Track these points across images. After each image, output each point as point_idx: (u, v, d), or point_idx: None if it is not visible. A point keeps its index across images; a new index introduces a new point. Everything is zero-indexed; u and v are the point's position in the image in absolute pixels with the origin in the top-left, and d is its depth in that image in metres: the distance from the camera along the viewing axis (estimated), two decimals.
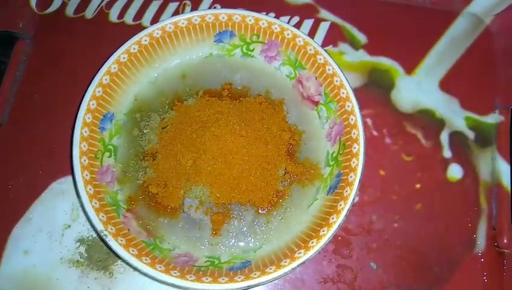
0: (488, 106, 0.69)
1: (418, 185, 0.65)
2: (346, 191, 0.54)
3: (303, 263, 0.51)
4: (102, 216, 0.53)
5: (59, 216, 0.62)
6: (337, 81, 0.59)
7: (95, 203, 0.53)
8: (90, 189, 0.54)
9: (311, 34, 0.72)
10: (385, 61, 0.71)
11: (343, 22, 0.73)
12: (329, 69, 0.59)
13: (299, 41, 0.61)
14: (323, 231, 0.53)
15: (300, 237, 0.55)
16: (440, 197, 0.64)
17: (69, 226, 0.62)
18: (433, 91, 0.70)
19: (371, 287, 0.60)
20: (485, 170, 0.66)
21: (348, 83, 0.58)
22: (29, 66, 0.69)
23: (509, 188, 0.64)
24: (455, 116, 0.68)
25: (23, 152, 0.65)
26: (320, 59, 0.60)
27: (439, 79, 0.70)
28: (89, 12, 0.72)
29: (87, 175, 0.54)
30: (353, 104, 0.57)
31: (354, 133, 0.56)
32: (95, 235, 0.61)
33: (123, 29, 0.71)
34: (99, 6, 0.72)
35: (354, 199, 0.53)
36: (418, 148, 0.67)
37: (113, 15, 0.72)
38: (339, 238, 0.62)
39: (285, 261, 0.52)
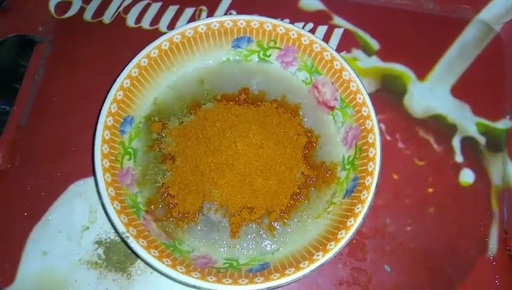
0: (499, 112, 0.70)
1: (430, 189, 0.66)
2: (364, 194, 0.55)
3: (322, 265, 0.52)
4: (124, 218, 0.54)
5: (77, 218, 0.63)
6: (353, 86, 0.60)
7: (117, 205, 0.54)
8: (111, 191, 0.55)
9: (325, 40, 0.73)
10: (397, 67, 0.72)
11: (356, 28, 0.74)
12: (345, 75, 0.60)
13: (316, 47, 0.62)
14: (341, 233, 0.54)
15: (318, 239, 0.55)
16: (452, 201, 0.65)
17: (88, 228, 0.63)
18: (445, 97, 0.71)
19: (385, 289, 0.61)
20: (496, 174, 0.67)
21: (365, 88, 0.60)
22: (48, 69, 0.70)
23: None
24: (467, 121, 0.70)
25: (42, 154, 0.66)
26: (336, 65, 0.61)
27: (451, 85, 0.72)
28: (107, 17, 0.73)
29: (108, 177, 0.55)
30: (369, 109, 0.58)
31: (371, 138, 0.57)
32: (113, 237, 0.62)
33: (140, 33, 0.72)
34: (117, 11, 0.74)
35: (371, 202, 0.54)
36: (431, 153, 0.68)
37: (131, 20, 0.73)
38: (354, 241, 0.63)
39: (304, 264, 0.52)
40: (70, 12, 0.74)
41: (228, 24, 0.62)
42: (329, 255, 0.52)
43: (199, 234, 0.58)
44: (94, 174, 0.55)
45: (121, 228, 0.53)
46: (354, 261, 0.62)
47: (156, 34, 0.64)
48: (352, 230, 0.53)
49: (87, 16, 0.73)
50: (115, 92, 0.58)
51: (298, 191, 0.60)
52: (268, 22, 0.62)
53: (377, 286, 0.61)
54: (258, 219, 0.58)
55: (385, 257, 0.63)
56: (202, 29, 0.62)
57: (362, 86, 0.59)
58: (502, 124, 0.70)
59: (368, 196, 0.55)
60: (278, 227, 0.58)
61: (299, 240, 0.57)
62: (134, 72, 0.60)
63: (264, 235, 0.58)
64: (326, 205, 0.60)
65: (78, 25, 0.73)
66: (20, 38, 0.71)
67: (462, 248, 0.63)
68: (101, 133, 0.56)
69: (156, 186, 0.60)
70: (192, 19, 0.73)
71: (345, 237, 0.53)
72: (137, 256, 0.53)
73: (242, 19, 0.62)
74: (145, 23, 0.73)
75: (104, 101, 0.58)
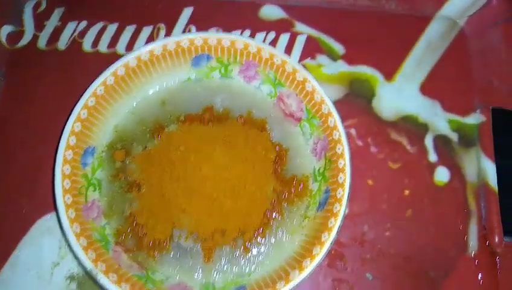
0: (469, 107, 0.70)
1: (406, 192, 0.65)
2: (336, 207, 0.54)
3: (299, 283, 0.51)
4: (91, 254, 0.52)
5: (47, 254, 0.61)
6: (317, 97, 0.59)
7: (83, 241, 0.52)
8: (76, 227, 0.53)
9: (288, 48, 0.71)
10: (364, 70, 0.71)
11: (320, 33, 0.73)
12: (308, 86, 0.59)
13: (277, 60, 0.60)
14: (316, 249, 0.52)
15: (294, 257, 0.54)
16: (429, 202, 0.65)
17: (58, 263, 0.60)
18: (414, 96, 0.70)
19: None
20: (471, 170, 0.66)
21: (328, 98, 0.58)
22: (3, 103, 0.67)
23: (496, 187, 0.65)
24: (438, 119, 0.69)
25: (3, 191, 0.64)
26: (299, 76, 0.60)
27: (419, 83, 0.71)
28: (62, 43, 0.71)
29: (72, 213, 0.53)
30: (335, 119, 0.57)
31: (339, 148, 0.56)
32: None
33: (98, 57, 0.70)
34: (72, 36, 0.71)
35: (344, 215, 0.53)
36: (404, 155, 0.67)
37: (87, 44, 0.71)
38: (332, 252, 0.62)
39: (280, 284, 0.51)
40: (23, 41, 0.71)
41: (185, 43, 0.61)
42: (305, 273, 0.51)
43: (172, 262, 0.56)
44: (56, 211, 0.53)
45: (89, 265, 0.51)
46: (334, 271, 0.61)
47: (114, 57, 0.62)
48: (327, 245, 0.52)
49: (41, 43, 0.71)
50: (72, 124, 0.56)
51: (271, 207, 0.58)
52: (226, 38, 0.60)
53: None
54: (232, 241, 0.57)
55: (366, 265, 0.61)
56: (158, 51, 0.60)
57: (326, 97, 0.58)
58: (472, 119, 0.69)
59: (340, 209, 0.53)
60: (252, 247, 0.57)
61: (275, 258, 0.56)
62: (91, 102, 0.58)
63: (238, 256, 0.57)
64: (301, 219, 0.58)
65: (32, 54, 0.70)
66: None
67: (443, 249, 0.63)
68: (60, 168, 0.54)
69: (123, 216, 0.58)
70: (150, 38, 0.71)
71: (320, 253, 0.52)
72: None
73: (199, 37, 0.61)
74: (102, 47, 0.71)
75: (61, 135, 0.56)
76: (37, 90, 0.68)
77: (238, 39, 0.60)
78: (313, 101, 0.59)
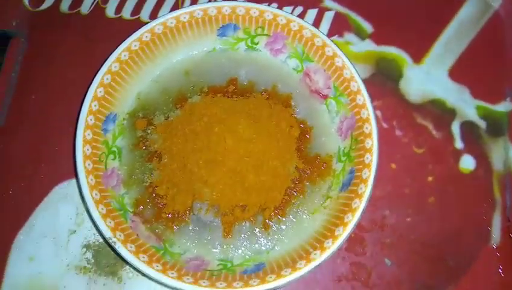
0: (499, 94, 0.67)
1: (430, 178, 0.64)
2: (361, 188, 0.52)
3: (319, 264, 0.50)
4: (110, 222, 0.51)
5: (63, 221, 0.60)
6: (347, 73, 0.57)
7: (102, 209, 0.52)
8: (96, 194, 0.52)
9: (316, 24, 0.69)
10: (392, 51, 0.69)
11: (348, 10, 0.71)
12: (338, 61, 0.57)
13: (306, 33, 0.58)
14: (338, 230, 0.51)
15: (315, 237, 0.53)
16: (453, 190, 0.63)
17: (75, 231, 0.60)
18: (442, 80, 0.68)
19: (386, 283, 0.59)
20: (497, 160, 0.64)
21: (359, 75, 0.56)
22: (25, 65, 0.67)
23: None
24: (466, 105, 0.67)
25: (23, 156, 0.63)
26: (328, 51, 0.58)
27: (448, 67, 0.69)
28: (85, 8, 0.70)
29: (92, 180, 0.52)
30: (365, 97, 0.55)
31: (367, 128, 0.55)
32: (101, 240, 0.59)
33: (121, 24, 0.69)
34: (95, 1, 0.70)
35: (369, 196, 0.52)
36: (429, 140, 0.65)
37: (110, 10, 0.69)
38: (352, 235, 0.59)
39: (300, 263, 0.50)
40: (46, 4, 0.70)
41: (212, 11, 0.59)
42: (327, 253, 0.50)
43: (191, 235, 0.55)
44: (77, 177, 0.52)
45: (107, 233, 0.50)
46: (353, 255, 0.60)
47: (137, 25, 0.60)
48: (351, 226, 0.51)
49: (64, 7, 0.69)
50: (95, 89, 0.55)
51: (292, 185, 0.57)
52: (255, 8, 0.59)
53: (377, 280, 0.59)
54: (252, 216, 0.56)
55: (385, 250, 0.60)
56: (185, 18, 0.59)
57: (356, 73, 0.56)
58: (502, 107, 0.67)
59: (366, 190, 0.52)
60: (272, 224, 0.56)
61: (295, 237, 0.55)
62: (115, 67, 0.56)
63: (258, 233, 0.56)
64: (323, 199, 0.57)
65: (54, 17, 0.69)
66: None
67: (464, 238, 0.61)
68: (82, 133, 0.53)
69: (143, 186, 0.57)
70: (175, 7, 0.69)
71: (343, 233, 0.51)
72: (126, 262, 0.51)
73: (227, 5, 0.59)
74: (126, 13, 0.69)
75: (83, 99, 0.55)
76: (58, 54, 0.67)
77: (268, 9, 0.59)
78: (342, 78, 0.57)
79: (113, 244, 0.50)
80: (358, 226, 0.61)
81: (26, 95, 0.66)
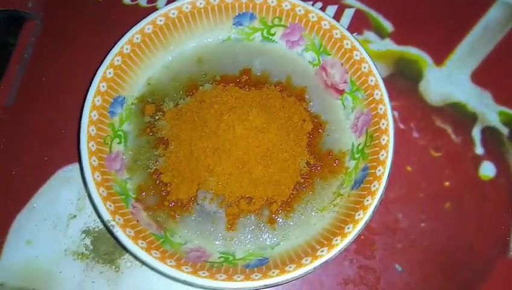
0: None
1: (447, 183, 0.61)
2: (374, 185, 0.50)
3: (326, 262, 0.47)
4: (110, 205, 0.49)
5: (64, 205, 0.59)
6: (365, 67, 0.55)
7: (103, 191, 0.50)
8: (97, 176, 0.50)
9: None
10: (413, 51, 0.67)
11: (369, 8, 0.69)
12: (356, 55, 0.55)
13: (325, 24, 0.57)
14: (348, 228, 0.49)
15: (323, 234, 0.50)
16: (471, 197, 0.60)
17: (75, 216, 0.58)
18: (464, 83, 0.65)
19: None
20: None
21: (377, 69, 0.54)
22: (38, 47, 0.66)
23: None
24: (488, 110, 0.64)
25: (29, 137, 0.62)
26: (347, 44, 0.56)
27: (471, 71, 0.66)
28: None
29: (94, 161, 0.51)
30: (382, 92, 0.53)
31: (383, 124, 0.52)
32: (101, 226, 0.58)
33: (137, 11, 0.68)
34: None
35: (382, 194, 0.49)
36: (448, 144, 0.62)
37: None
38: (362, 237, 0.58)
39: (306, 260, 0.47)
40: None
41: None
42: (335, 251, 0.47)
43: (193, 225, 0.53)
44: (79, 157, 0.51)
45: (107, 216, 0.49)
46: (361, 258, 0.57)
47: (153, 12, 0.59)
48: (361, 224, 0.48)
49: None
50: (104, 70, 0.54)
51: (302, 181, 0.55)
52: None
53: (386, 287, 0.56)
54: (258, 210, 0.53)
55: (396, 255, 0.57)
56: (201, 4, 0.57)
57: (375, 67, 0.54)
58: None
59: (379, 187, 0.49)
60: (279, 219, 0.53)
61: (301, 234, 0.52)
62: (126, 49, 0.55)
63: (263, 227, 0.53)
64: (333, 196, 0.54)
65: (70, 1, 0.69)
66: (8, 15, 0.67)
67: (481, 248, 0.58)
68: (87, 113, 0.52)
69: (147, 172, 0.55)
70: None
71: (353, 231, 0.48)
72: (123, 247, 0.49)
73: None
74: (143, 1, 0.68)
75: (92, 79, 0.53)
76: (72, 38, 0.67)
77: None
78: (360, 72, 0.55)
79: (111, 227, 0.48)
80: (369, 228, 0.58)
81: (36, 77, 0.65)
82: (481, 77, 0.66)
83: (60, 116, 0.63)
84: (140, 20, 0.57)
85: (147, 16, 0.58)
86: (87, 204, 0.59)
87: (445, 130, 0.63)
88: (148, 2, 0.68)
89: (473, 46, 0.67)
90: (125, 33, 0.56)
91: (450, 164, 0.62)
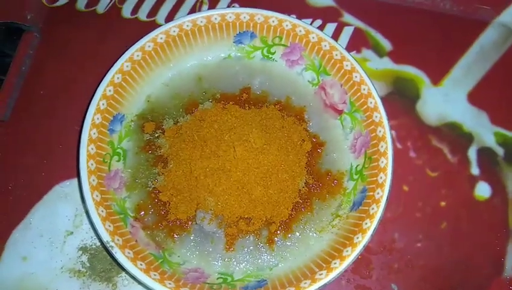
0: None
1: (443, 203, 0.61)
2: (373, 208, 0.50)
3: (325, 285, 0.47)
4: (109, 225, 0.49)
5: (61, 222, 0.58)
6: (364, 89, 0.55)
7: (102, 211, 0.50)
8: (96, 196, 0.50)
9: (334, 38, 0.67)
10: (410, 70, 0.68)
11: (367, 27, 0.69)
12: (356, 76, 0.56)
13: (325, 45, 0.57)
14: (346, 251, 0.49)
15: (322, 256, 0.51)
16: (467, 217, 0.61)
17: (72, 233, 0.58)
18: (461, 104, 0.66)
19: None
20: None
21: (377, 92, 0.55)
22: (36, 60, 0.66)
23: None
24: (484, 131, 0.65)
25: (26, 151, 0.62)
26: (347, 65, 0.56)
27: (468, 91, 0.67)
28: (101, 7, 0.69)
29: (94, 180, 0.51)
30: (382, 115, 0.54)
31: (382, 146, 0.53)
32: (98, 243, 0.57)
33: (136, 25, 0.68)
34: (112, 1, 0.69)
35: (380, 217, 0.49)
36: (444, 164, 0.63)
37: (126, 10, 0.69)
38: (359, 257, 0.58)
39: (305, 283, 0.48)
40: (63, 0, 0.69)
41: (230, 17, 0.57)
42: (333, 274, 0.48)
43: (191, 245, 0.53)
44: (78, 176, 0.51)
45: (106, 237, 0.48)
46: (358, 278, 0.58)
47: (152, 26, 0.60)
48: (360, 247, 0.49)
49: (80, 4, 0.69)
50: (104, 88, 0.54)
51: (301, 201, 0.55)
52: (274, 17, 0.57)
53: None
54: (256, 230, 0.53)
55: (392, 274, 0.58)
56: (202, 22, 0.57)
57: (374, 90, 0.55)
58: None
59: (378, 211, 0.50)
60: (277, 240, 0.54)
61: (300, 255, 0.53)
62: (127, 67, 0.55)
63: (262, 248, 0.53)
64: (331, 217, 0.55)
65: (70, 14, 0.68)
66: (6, 26, 0.66)
67: (476, 268, 0.59)
68: (87, 131, 0.52)
69: (146, 190, 0.55)
70: (192, 11, 0.68)
71: (351, 254, 0.48)
72: (122, 268, 0.48)
73: (245, 12, 0.58)
74: (142, 15, 0.68)
75: (92, 97, 0.53)
76: (71, 51, 0.66)
77: (287, 19, 0.57)
78: (359, 94, 0.55)
79: (110, 249, 0.48)
80: (366, 247, 0.58)
81: (34, 90, 0.65)
82: (477, 97, 0.66)
83: (58, 130, 0.62)
84: (139, 37, 0.57)
85: (146, 30, 0.57)
86: (85, 220, 0.58)
87: (441, 150, 0.64)
88: (147, 16, 0.68)
89: (470, 67, 0.68)
90: (126, 50, 0.55)
91: (446, 184, 0.62)
